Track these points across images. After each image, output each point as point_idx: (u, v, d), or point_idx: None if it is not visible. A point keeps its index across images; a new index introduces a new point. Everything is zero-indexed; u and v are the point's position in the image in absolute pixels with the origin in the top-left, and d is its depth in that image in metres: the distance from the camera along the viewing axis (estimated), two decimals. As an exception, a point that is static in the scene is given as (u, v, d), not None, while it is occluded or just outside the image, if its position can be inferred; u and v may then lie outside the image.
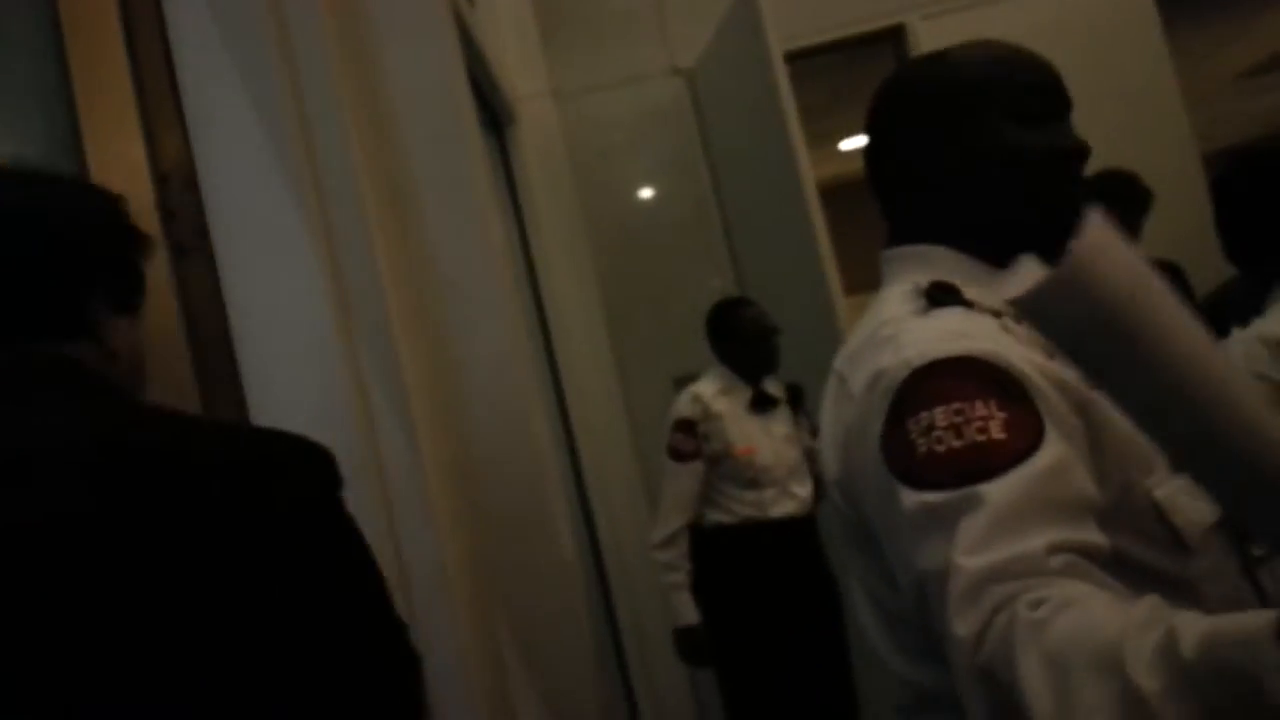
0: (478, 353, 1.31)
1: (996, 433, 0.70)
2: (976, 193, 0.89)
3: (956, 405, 0.71)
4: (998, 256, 0.87)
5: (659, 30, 3.25)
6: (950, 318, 0.82)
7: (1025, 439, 0.70)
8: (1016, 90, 0.89)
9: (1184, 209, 3.08)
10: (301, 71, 1.23)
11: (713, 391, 2.57)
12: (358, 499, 1.19)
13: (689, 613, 2.51)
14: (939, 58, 0.94)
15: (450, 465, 1.30)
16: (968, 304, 0.84)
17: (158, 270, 1.21)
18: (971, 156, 0.89)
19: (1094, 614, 0.58)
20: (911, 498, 0.71)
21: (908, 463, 0.73)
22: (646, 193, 3.31)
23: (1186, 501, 0.79)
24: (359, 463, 1.19)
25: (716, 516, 2.56)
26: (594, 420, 3.00)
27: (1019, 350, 0.78)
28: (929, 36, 3.22)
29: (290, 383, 1.20)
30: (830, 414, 0.90)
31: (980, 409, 0.71)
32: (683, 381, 2.75)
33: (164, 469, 0.68)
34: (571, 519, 2.67)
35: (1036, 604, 0.60)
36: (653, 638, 2.87)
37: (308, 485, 0.75)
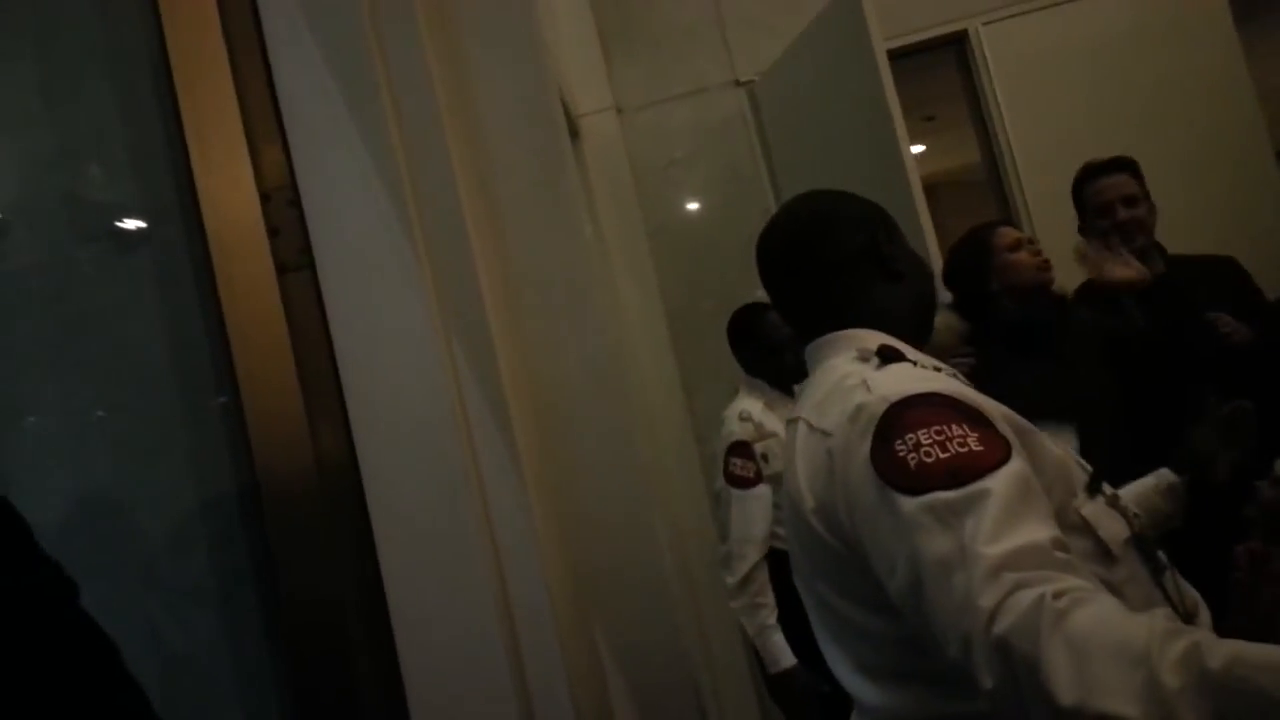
0: (578, 361, 1.31)
1: (975, 445, 0.82)
2: (907, 291, 1.11)
3: (936, 427, 0.84)
4: (910, 339, 1.08)
5: (721, 44, 3.26)
6: (905, 369, 0.97)
7: (999, 450, 0.83)
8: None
9: (1260, 206, 3.04)
10: (398, 84, 1.24)
11: (759, 408, 2.42)
12: (459, 510, 1.21)
13: (784, 655, 2.23)
14: (851, 195, 1.17)
15: (549, 472, 1.29)
16: (913, 363, 0.99)
17: (263, 286, 1.23)
18: (901, 265, 1.11)
19: (1113, 614, 0.70)
20: (911, 502, 0.81)
21: (902, 474, 0.83)
22: (709, 205, 3.31)
23: (1107, 519, 0.93)
24: (460, 473, 1.20)
25: None
26: (660, 433, 2.99)
27: (969, 392, 0.92)
28: (992, 42, 3.18)
29: (392, 394, 1.21)
30: (801, 453, 1.00)
31: (957, 429, 0.83)
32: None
33: None
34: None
35: (1059, 595, 0.71)
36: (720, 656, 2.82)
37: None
